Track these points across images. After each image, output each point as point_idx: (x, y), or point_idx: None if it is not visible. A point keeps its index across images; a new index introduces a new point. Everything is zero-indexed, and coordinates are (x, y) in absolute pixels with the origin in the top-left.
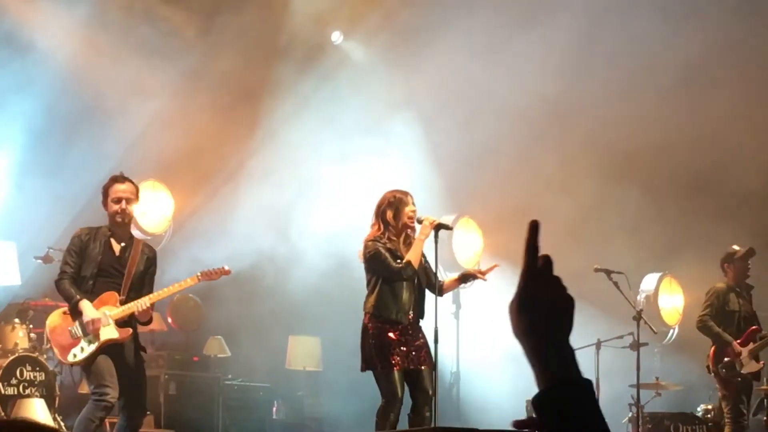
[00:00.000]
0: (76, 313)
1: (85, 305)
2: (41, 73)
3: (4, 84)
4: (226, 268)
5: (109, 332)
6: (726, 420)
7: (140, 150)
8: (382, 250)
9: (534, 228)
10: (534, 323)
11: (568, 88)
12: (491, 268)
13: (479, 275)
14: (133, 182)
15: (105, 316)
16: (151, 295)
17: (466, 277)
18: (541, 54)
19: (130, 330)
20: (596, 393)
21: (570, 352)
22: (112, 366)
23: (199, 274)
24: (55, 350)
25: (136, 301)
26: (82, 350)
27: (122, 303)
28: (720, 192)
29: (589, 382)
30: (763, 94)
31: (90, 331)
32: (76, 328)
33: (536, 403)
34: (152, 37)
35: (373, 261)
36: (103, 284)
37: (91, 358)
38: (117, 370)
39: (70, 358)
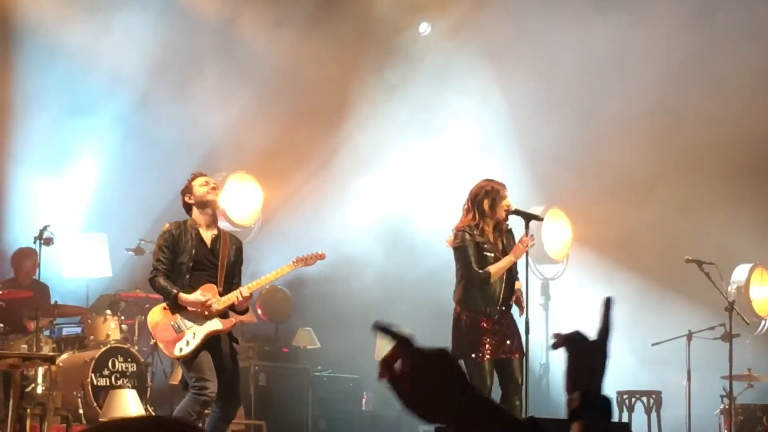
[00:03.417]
0: (176, 306)
1: (185, 296)
2: (129, 72)
3: (95, 86)
4: (321, 252)
5: (214, 324)
6: None
7: (226, 144)
8: (469, 247)
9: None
10: None
11: (658, 87)
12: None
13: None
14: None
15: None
16: (250, 284)
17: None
18: (636, 49)
19: (233, 321)
20: (687, 384)
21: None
22: (211, 360)
23: (294, 260)
24: (160, 345)
25: (236, 291)
26: (188, 344)
27: (221, 294)
28: None
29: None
30: None
31: (205, 309)
32: (179, 322)
33: None
34: (236, 30)
35: (458, 254)
36: (199, 277)
37: (196, 351)
38: (213, 362)
39: (176, 353)
